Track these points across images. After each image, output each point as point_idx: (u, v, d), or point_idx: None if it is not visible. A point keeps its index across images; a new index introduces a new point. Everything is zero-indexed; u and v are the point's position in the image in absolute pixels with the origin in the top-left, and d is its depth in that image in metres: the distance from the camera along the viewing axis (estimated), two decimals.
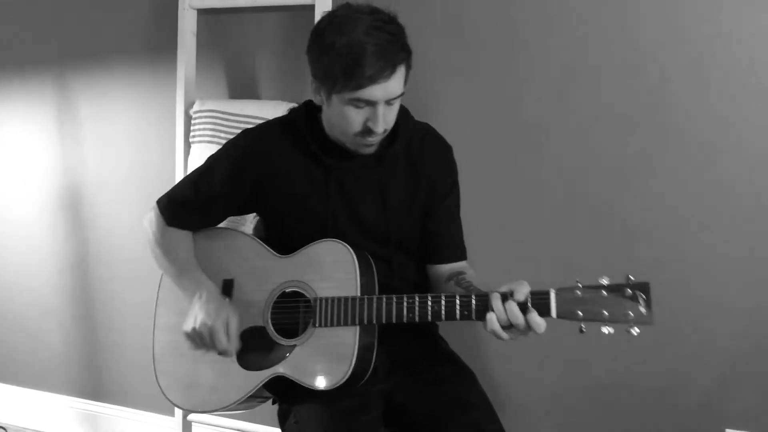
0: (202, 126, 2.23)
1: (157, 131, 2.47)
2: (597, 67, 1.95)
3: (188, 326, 1.51)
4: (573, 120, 1.98)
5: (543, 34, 2.00)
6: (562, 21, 1.98)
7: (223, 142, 2.14)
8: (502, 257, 2.05)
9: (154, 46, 2.46)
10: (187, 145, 2.29)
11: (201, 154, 2.19)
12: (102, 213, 2.62)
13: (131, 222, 2.53)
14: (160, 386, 1.62)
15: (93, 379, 2.73)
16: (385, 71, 1.36)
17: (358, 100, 1.39)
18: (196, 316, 1.50)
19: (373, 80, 1.35)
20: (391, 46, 1.36)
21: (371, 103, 1.40)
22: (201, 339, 1.51)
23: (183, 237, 1.64)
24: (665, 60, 1.89)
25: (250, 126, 2.02)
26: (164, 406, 2.51)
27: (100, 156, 2.60)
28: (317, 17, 2.09)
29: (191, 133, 2.26)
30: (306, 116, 1.58)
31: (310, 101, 1.57)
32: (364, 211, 1.56)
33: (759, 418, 1.87)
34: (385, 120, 1.42)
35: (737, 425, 1.90)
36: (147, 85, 2.49)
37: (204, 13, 2.34)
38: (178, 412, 2.36)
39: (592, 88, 1.96)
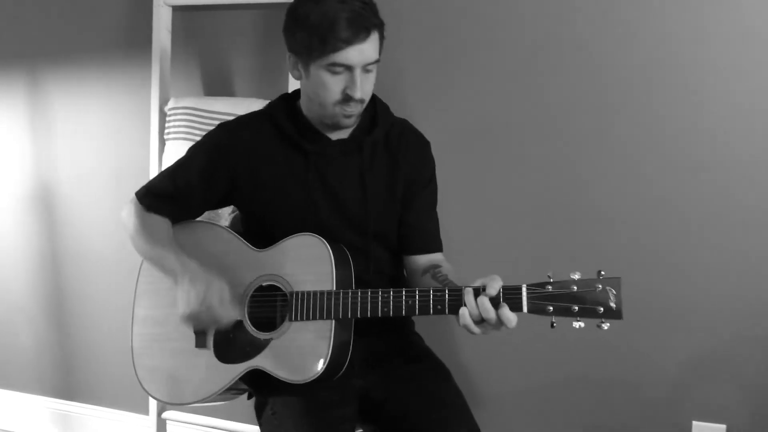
0: (176, 123, 2.22)
1: (132, 128, 2.46)
2: (573, 63, 1.98)
3: (184, 310, 1.49)
4: (548, 115, 2.01)
5: (518, 31, 2.03)
6: (538, 17, 2.01)
7: (198, 138, 2.15)
8: (477, 251, 2.07)
9: (129, 43, 2.44)
10: (162, 142, 2.28)
11: (176, 151, 2.19)
12: (75, 209, 2.60)
13: (105, 219, 2.52)
14: (138, 378, 1.62)
15: (65, 378, 2.71)
16: (360, 34, 1.40)
17: (335, 64, 1.42)
18: (188, 299, 1.48)
19: (348, 42, 1.40)
20: (364, 12, 1.41)
21: (348, 68, 1.43)
22: (200, 319, 1.50)
23: (163, 223, 1.63)
24: (639, 56, 1.92)
25: None
26: (138, 405, 2.51)
27: (74, 152, 2.58)
28: None
29: (166, 130, 2.25)
30: (283, 104, 1.60)
31: (286, 93, 1.59)
32: (345, 198, 1.58)
33: (725, 410, 1.92)
34: (363, 88, 1.45)
35: (705, 417, 1.94)
36: (121, 82, 2.48)
37: (179, 10, 2.34)
38: (153, 410, 2.35)
39: (570, 85, 1.99)
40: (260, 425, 1.57)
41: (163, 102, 2.29)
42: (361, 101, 1.48)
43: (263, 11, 2.27)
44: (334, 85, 1.45)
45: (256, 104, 2.12)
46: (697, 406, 1.94)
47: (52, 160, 2.62)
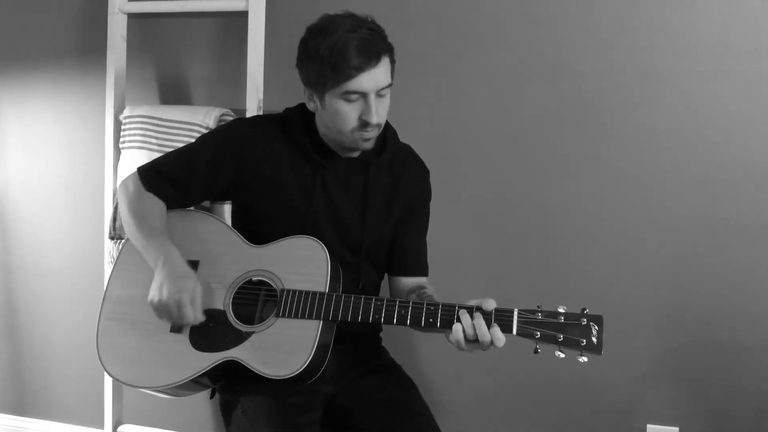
0: (132, 131, 2.19)
1: (86, 136, 2.42)
2: (559, 76, 2.01)
3: (153, 296, 1.49)
4: (539, 133, 2.04)
5: (502, 44, 2.05)
6: (500, 30, 2.04)
7: (155, 147, 2.14)
8: (461, 278, 2.08)
9: (83, 50, 2.41)
10: (117, 151, 2.25)
11: (131, 159, 2.16)
12: (26, 219, 2.54)
13: (58, 228, 2.47)
14: (100, 359, 1.58)
15: (16, 392, 2.64)
16: (370, 60, 1.43)
17: (349, 92, 1.44)
18: (161, 287, 1.48)
19: (360, 69, 1.42)
20: (373, 39, 1.44)
21: (363, 95, 1.45)
22: (167, 311, 1.49)
23: (158, 205, 1.62)
24: (627, 67, 1.95)
25: (183, 132, 2.00)
26: (93, 419, 2.46)
27: (25, 161, 2.53)
28: (250, 23, 2.11)
29: (121, 139, 2.22)
30: (301, 116, 1.61)
31: (304, 104, 1.60)
32: (344, 215, 1.60)
33: (678, 413, 1.97)
34: (378, 112, 1.48)
35: (658, 421, 1.99)
36: (75, 90, 2.43)
37: (134, 18, 2.31)
38: (108, 423, 2.31)
39: (537, 98, 2.03)
40: (227, 425, 1.57)
41: (118, 110, 2.26)
42: (378, 125, 1.50)
43: (220, 19, 2.26)
44: (350, 112, 1.47)
45: (213, 113, 2.10)
46: (650, 411, 1.99)
47: (3, 171, 2.56)
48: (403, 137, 1.67)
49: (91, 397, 2.44)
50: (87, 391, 2.47)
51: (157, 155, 1.68)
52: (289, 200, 1.59)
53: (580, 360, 1.31)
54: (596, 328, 1.32)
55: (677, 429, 1.97)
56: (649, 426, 1.98)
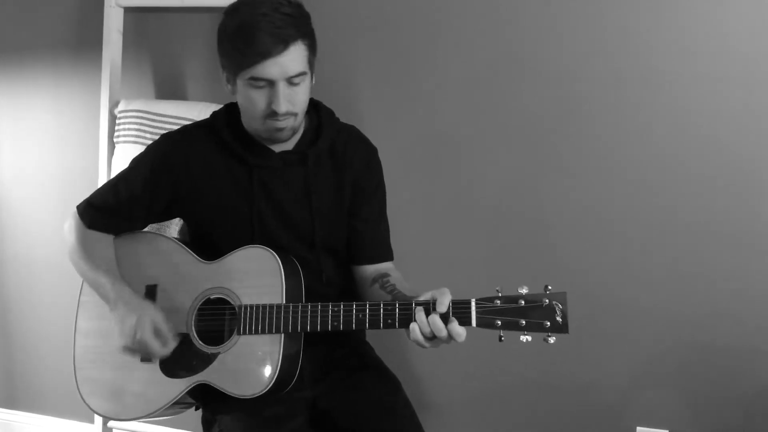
0: (126, 126, 2.19)
1: (80, 130, 2.41)
2: (532, 71, 2.01)
3: (120, 343, 1.49)
4: (502, 123, 2.04)
5: (477, 38, 2.05)
6: (481, 26, 2.03)
7: (149, 142, 2.12)
8: (426, 259, 2.08)
9: (79, 44, 2.40)
10: (111, 145, 2.25)
11: (125, 154, 2.15)
12: (19, 212, 2.54)
13: (51, 222, 2.46)
14: (80, 392, 1.58)
15: (8, 386, 2.64)
16: (276, 46, 1.37)
17: (255, 78, 1.40)
18: (122, 331, 1.47)
19: (264, 56, 1.37)
20: (283, 23, 1.38)
21: (270, 83, 1.41)
22: (138, 352, 1.49)
23: (103, 241, 1.60)
24: (604, 68, 1.95)
25: (175, 127, 1.99)
26: (83, 413, 2.45)
27: (18, 154, 2.52)
28: None
29: (116, 133, 2.21)
30: (227, 116, 1.58)
31: (232, 103, 1.58)
32: (290, 211, 1.56)
33: (669, 416, 1.96)
34: (291, 101, 1.43)
35: (649, 423, 1.98)
36: (70, 83, 2.43)
37: (131, 12, 2.30)
38: (98, 419, 2.31)
39: (525, 93, 2.02)
40: None
41: (113, 104, 2.25)
42: (290, 114, 1.45)
43: (216, 14, 2.23)
44: (258, 99, 1.43)
45: (208, 108, 2.09)
46: (641, 412, 1.99)
47: None
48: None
49: None
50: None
51: None
52: (230, 207, 1.55)
53: (549, 341, 1.28)
54: (560, 306, 1.28)
55: (667, 431, 1.97)
56: (639, 428, 1.98)
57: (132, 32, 2.32)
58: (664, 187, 1.93)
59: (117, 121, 2.22)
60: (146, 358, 1.51)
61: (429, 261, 2.08)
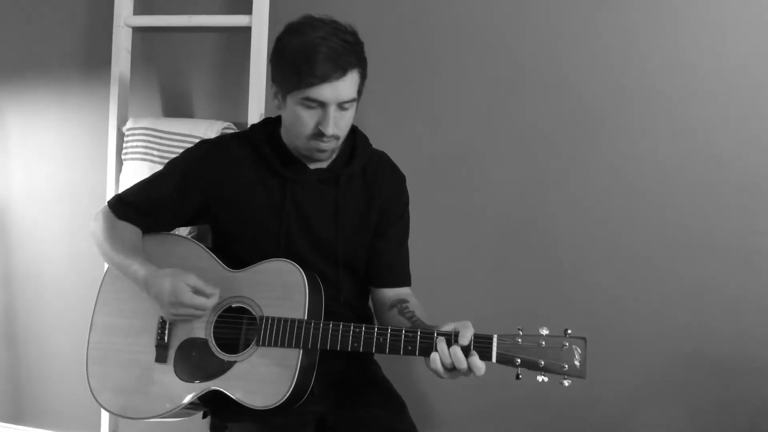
0: (135, 143, 2.22)
1: (89, 147, 2.44)
2: (547, 94, 2.03)
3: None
4: (526, 152, 2.06)
5: (490, 60, 2.07)
6: (488, 39, 2.06)
7: (157, 159, 2.16)
8: (445, 289, 2.09)
9: (88, 62, 2.43)
10: (119, 163, 2.27)
11: (134, 171, 2.18)
12: (29, 229, 2.56)
13: (60, 238, 2.48)
14: (90, 388, 1.58)
15: (13, 400, 2.65)
16: (335, 72, 1.41)
17: (309, 99, 1.43)
18: (162, 301, 1.48)
19: (322, 79, 1.40)
20: (344, 50, 1.42)
21: (322, 105, 1.44)
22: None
23: (133, 231, 1.61)
24: (617, 87, 1.98)
25: (185, 145, 2.01)
26: (91, 426, 2.46)
27: (29, 172, 2.54)
28: (253, 39, 2.13)
29: (124, 150, 2.24)
30: (265, 129, 1.61)
31: (269, 118, 1.61)
32: (317, 227, 1.58)
33: (671, 430, 1.97)
34: (337, 124, 1.46)
35: None
36: (79, 101, 2.45)
37: (139, 31, 2.34)
38: (105, 431, 2.32)
39: (525, 107, 2.05)
40: None
41: (121, 122, 2.28)
42: (335, 137, 1.48)
43: (224, 34, 2.28)
44: (308, 119, 1.46)
45: (216, 126, 2.13)
46: (643, 427, 1.99)
47: (6, 180, 2.57)
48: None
49: (88, 406, 2.41)
50: (85, 400, 2.43)
51: (159, 167, 1.70)
52: (260, 219, 1.57)
53: (564, 384, 1.29)
54: (579, 350, 1.30)
55: None
56: None
57: (140, 51, 2.35)
58: (672, 198, 1.95)
59: (125, 139, 2.25)
60: (164, 346, 1.52)
61: (447, 291, 2.08)
